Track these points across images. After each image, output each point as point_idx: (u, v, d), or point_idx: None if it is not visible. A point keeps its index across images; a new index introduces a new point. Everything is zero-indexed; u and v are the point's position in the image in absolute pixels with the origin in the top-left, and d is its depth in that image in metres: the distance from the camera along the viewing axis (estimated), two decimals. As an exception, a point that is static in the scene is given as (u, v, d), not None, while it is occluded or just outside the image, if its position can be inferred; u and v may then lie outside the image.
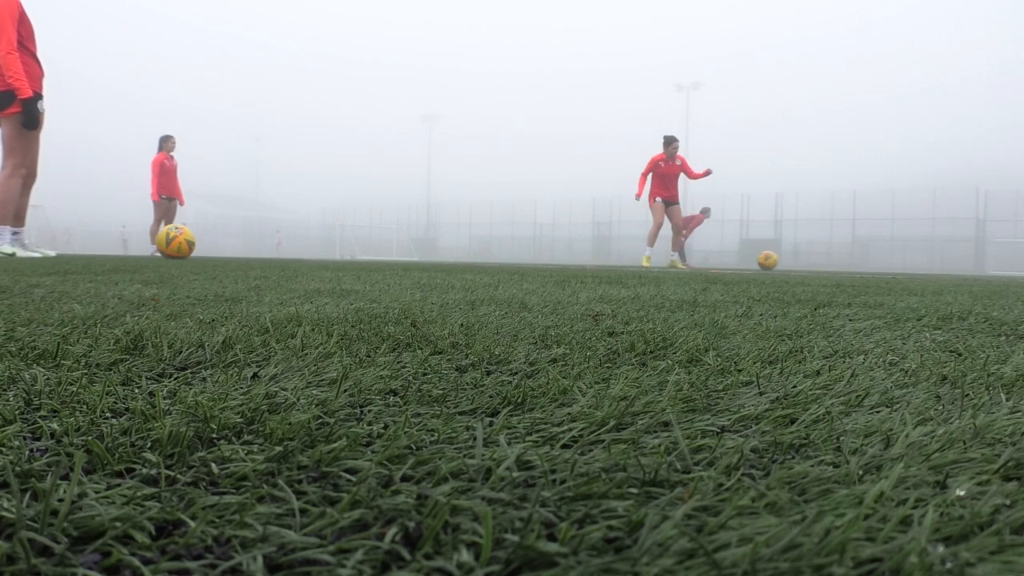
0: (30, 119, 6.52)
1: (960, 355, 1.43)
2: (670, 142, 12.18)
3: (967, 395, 1.00)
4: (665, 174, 12.19)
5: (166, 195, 12.92)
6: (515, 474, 0.62)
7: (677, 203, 12.42)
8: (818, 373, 1.16)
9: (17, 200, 6.69)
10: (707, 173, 12.49)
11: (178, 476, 0.61)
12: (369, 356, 1.23)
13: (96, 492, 0.56)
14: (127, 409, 0.82)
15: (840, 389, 1.01)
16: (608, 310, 2.23)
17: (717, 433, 0.78)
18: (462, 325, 1.69)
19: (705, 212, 18.70)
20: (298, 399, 0.87)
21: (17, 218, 6.86)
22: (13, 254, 6.61)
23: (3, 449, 0.66)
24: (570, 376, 1.08)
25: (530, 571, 0.46)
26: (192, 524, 0.51)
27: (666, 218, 12.35)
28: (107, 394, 0.89)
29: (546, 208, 50.20)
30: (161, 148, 12.92)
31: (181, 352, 1.21)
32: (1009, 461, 0.67)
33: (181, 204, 13.26)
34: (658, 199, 12.28)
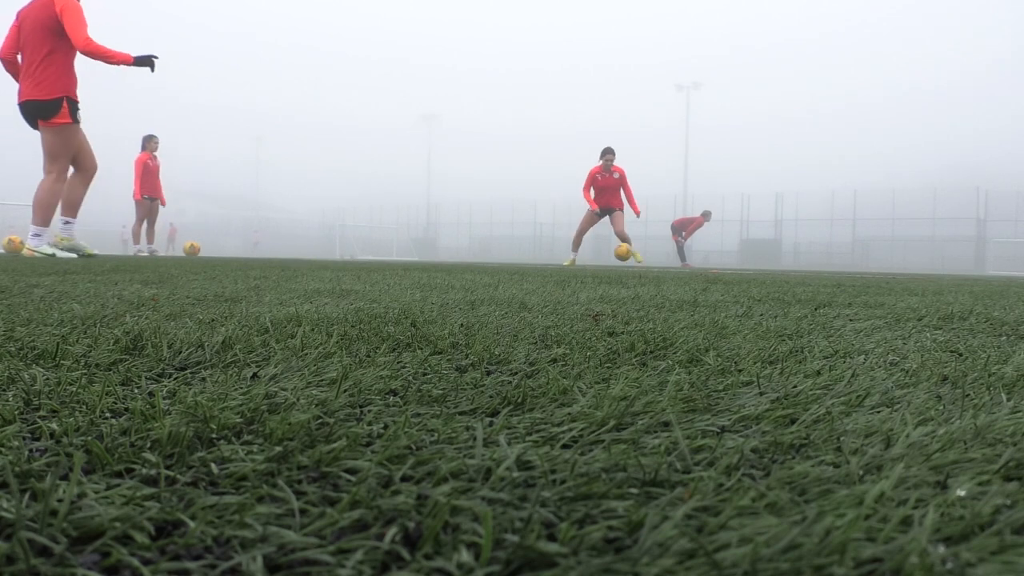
0: (148, 63, 6.67)
1: (961, 355, 1.43)
2: (604, 154, 12.41)
3: (968, 395, 1.00)
4: (603, 187, 12.44)
5: (148, 195, 12.97)
6: (515, 474, 0.62)
7: (618, 210, 12.54)
8: (818, 373, 1.15)
9: (56, 206, 6.85)
10: (636, 212, 12.61)
11: (178, 476, 0.61)
12: (369, 356, 1.23)
13: (96, 492, 0.56)
14: (127, 409, 0.82)
15: (841, 389, 1.01)
16: (608, 310, 2.23)
17: (717, 433, 0.78)
18: (462, 325, 1.69)
19: (706, 216, 18.75)
20: (298, 399, 0.87)
21: (71, 208, 7.12)
22: (53, 255, 6.75)
23: (3, 449, 0.66)
24: (570, 376, 1.08)
25: (530, 571, 0.46)
26: (192, 524, 0.51)
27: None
28: (107, 394, 0.89)
29: (546, 208, 50.19)
30: (144, 148, 12.99)
31: (181, 352, 1.21)
32: (1010, 461, 0.67)
33: (162, 204, 13.32)
34: (596, 210, 12.54)
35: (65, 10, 6.51)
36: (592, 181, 12.47)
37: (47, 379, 0.96)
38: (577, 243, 13.00)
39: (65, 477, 0.60)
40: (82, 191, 7.06)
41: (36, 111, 6.64)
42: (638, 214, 12.52)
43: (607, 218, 12.68)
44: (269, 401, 0.86)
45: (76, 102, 6.66)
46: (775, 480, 0.62)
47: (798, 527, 0.49)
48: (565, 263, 12.51)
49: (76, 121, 6.69)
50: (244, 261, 8.26)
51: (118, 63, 6.63)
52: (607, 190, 12.43)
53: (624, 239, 12.54)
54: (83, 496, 0.55)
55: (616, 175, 12.39)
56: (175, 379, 1.02)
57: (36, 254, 6.78)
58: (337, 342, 1.35)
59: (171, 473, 0.62)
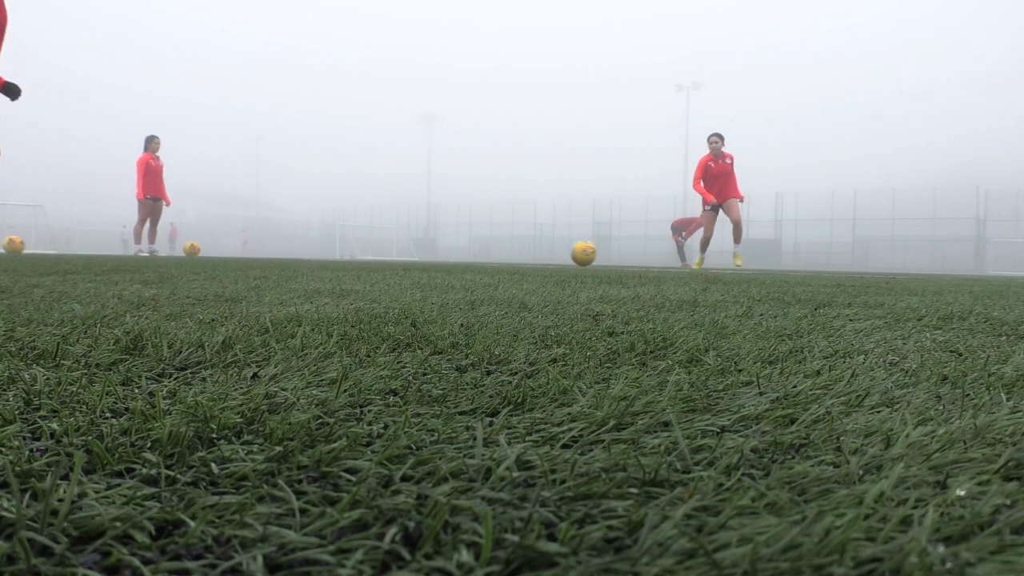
0: (13, 92, 6.45)
1: (960, 355, 1.43)
2: (712, 138, 11.54)
3: (967, 395, 1.00)
4: (717, 174, 11.55)
5: (151, 195, 13.01)
6: (515, 474, 0.62)
7: (732, 198, 11.63)
8: (818, 373, 1.15)
9: None
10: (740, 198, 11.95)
11: (178, 476, 0.61)
12: (369, 356, 1.23)
13: (96, 492, 0.56)
14: (127, 409, 0.82)
15: (840, 389, 1.01)
16: (608, 310, 2.23)
17: (717, 433, 0.78)
18: (462, 325, 1.69)
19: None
20: (298, 399, 0.87)
21: None
22: None
23: (3, 449, 0.66)
24: (570, 376, 1.08)
25: (530, 571, 0.46)
26: (192, 524, 0.51)
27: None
28: (107, 394, 0.89)
29: (546, 208, 50.18)
30: (147, 148, 13.04)
31: (181, 352, 1.21)
32: (1009, 461, 0.67)
33: (167, 204, 13.32)
34: (706, 207, 11.67)
35: None
36: (704, 171, 11.54)
37: (47, 379, 0.96)
38: (704, 247, 12.13)
39: (65, 477, 0.60)
40: None
41: None
42: (742, 198, 11.74)
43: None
44: (269, 401, 0.86)
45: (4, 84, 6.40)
46: (775, 480, 0.62)
47: (798, 527, 0.49)
48: (694, 265, 11.83)
49: None
50: (244, 261, 8.27)
51: None
52: (720, 177, 11.50)
53: (738, 227, 11.67)
54: (83, 496, 0.55)
55: (728, 160, 11.50)
56: (175, 379, 1.02)
57: None
58: (337, 342, 1.35)
59: (171, 473, 0.62)
